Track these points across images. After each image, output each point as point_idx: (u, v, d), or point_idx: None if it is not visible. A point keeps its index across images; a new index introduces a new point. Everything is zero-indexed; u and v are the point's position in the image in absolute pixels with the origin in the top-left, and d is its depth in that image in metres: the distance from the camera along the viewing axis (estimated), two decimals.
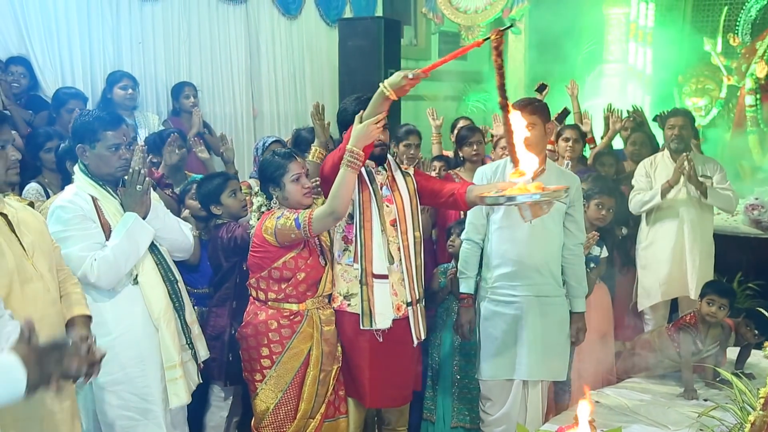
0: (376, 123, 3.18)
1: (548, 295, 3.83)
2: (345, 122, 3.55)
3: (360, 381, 3.63)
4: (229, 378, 3.90)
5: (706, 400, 3.99)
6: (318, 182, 3.67)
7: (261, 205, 3.57)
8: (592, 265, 4.30)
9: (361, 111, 3.25)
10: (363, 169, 3.53)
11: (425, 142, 5.65)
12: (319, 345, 3.48)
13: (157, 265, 3.34)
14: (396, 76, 3.08)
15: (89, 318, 2.84)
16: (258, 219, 3.53)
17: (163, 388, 3.27)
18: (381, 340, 3.57)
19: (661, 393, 4.17)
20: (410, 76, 3.04)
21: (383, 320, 3.53)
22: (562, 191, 3.02)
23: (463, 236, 3.96)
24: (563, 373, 3.95)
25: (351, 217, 3.55)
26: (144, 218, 3.28)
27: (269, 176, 3.48)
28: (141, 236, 3.24)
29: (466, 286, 3.91)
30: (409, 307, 3.61)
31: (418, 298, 3.65)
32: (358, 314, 3.54)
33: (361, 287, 3.53)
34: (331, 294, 3.60)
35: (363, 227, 3.52)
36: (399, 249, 3.57)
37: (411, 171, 3.79)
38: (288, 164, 3.47)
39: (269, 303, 3.48)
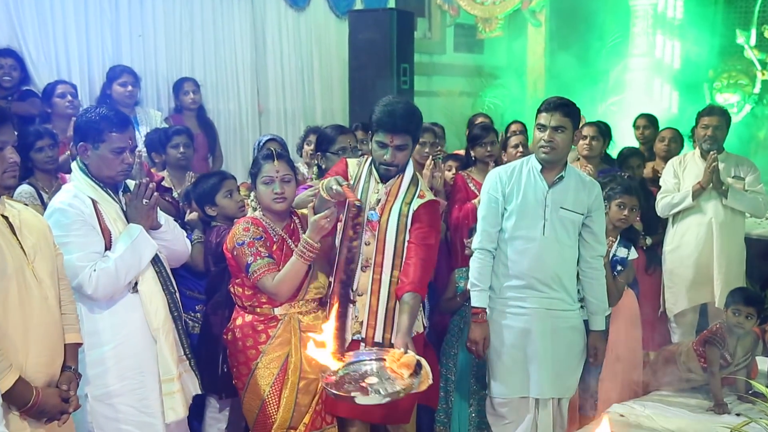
0: (327, 218, 3.29)
1: (560, 309, 3.77)
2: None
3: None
4: (225, 390, 3.87)
5: (738, 414, 3.96)
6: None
7: (252, 200, 3.62)
8: (619, 268, 4.26)
9: (313, 201, 3.37)
10: (362, 183, 3.54)
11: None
12: (297, 351, 3.46)
13: (157, 274, 3.35)
14: (329, 181, 3.26)
15: (79, 344, 2.89)
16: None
17: (162, 400, 3.28)
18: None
19: (690, 406, 4.14)
20: (333, 189, 3.20)
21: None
22: (409, 389, 2.70)
23: (474, 245, 3.86)
24: (571, 389, 3.90)
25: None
26: (151, 230, 3.31)
27: (250, 174, 3.56)
28: (145, 250, 3.26)
29: (478, 300, 3.79)
30: (363, 344, 3.50)
31: (380, 342, 3.50)
32: None
33: (328, 302, 3.55)
34: (319, 299, 3.60)
35: (341, 246, 3.52)
36: (369, 279, 3.50)
37: (415, 204, 3.54)
38: (263, 165, 3.49)
39: (247, 307, 3.50)
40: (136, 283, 3.26)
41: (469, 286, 3.87)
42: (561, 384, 3.83)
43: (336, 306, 3.18)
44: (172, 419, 3.31)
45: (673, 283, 5.30)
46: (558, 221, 3.71)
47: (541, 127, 3.68)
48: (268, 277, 3.36)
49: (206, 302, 4.01)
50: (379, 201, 3.53)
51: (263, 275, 3.35)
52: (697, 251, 5.20)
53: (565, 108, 3.66)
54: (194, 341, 3.81)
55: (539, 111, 3.73)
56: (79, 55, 5.96)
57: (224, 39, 7.07)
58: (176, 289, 3.47)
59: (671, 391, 4.35)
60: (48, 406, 2.62)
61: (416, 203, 3.54)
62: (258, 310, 3.49)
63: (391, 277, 3.49)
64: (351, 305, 3.51)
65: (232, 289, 3.55)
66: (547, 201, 3.71)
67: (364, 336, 3.50)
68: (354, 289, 3.52)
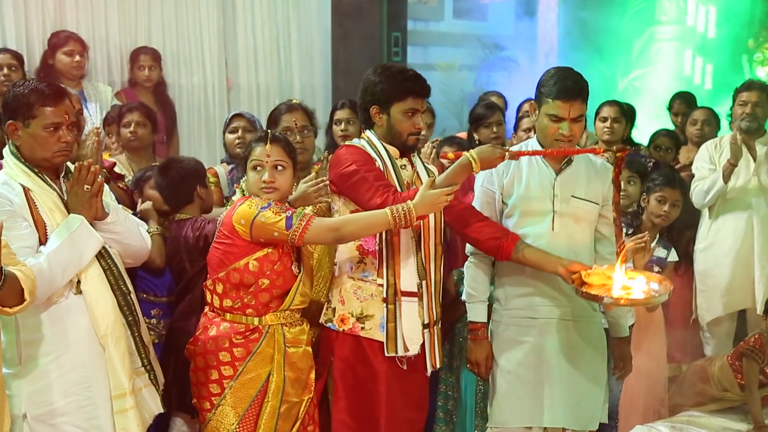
0: (449, 195, 3.29)
1: (578, 316, 3.66)
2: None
3: (374, 419, 3.60)
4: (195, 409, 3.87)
5: None
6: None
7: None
8: (656, 269, 4.25)
9: (434, 176, 3.41)
10: (389, 163, 3.56)
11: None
12: (281, 370, 3.44)
13: (105, 270, 3.30)
14: (490, 151, 3.34)
15: None
16: None
17: (113, 420, 3.24)
18: (405, 368, 3.58)
19: (725, 429, 4.16)
20: (506, 157, 3.33)
21: (413, 344, 3.55)
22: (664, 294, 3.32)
23: (468, 249, 3.77)
24: (594, 421, 3.74)
25: None
26: (96, 221, 3.26)
27: (242, 157, 3.58)
28: (86, 244, 3.21)
29: (475, 314, 3.73)
30: (426, 330, 3.60)
31: (435, 319, 3.65)
32: (374, 339, 3.55)
33: (387, 307, 3.53)
34: (302, 309, 3.59)
35: (391, 236, 3.52)
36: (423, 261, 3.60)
37: (435, 169, 3.77)
38: (254, 147, 3.47)
39: (223, 313, 3.45)
40: (79, 283, 3.22)
41: (464, 297, 3.80)
42: (581, 413, 3.69)
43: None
44: None
45: (707, 286, 5.27)
46: (569, 213, 3.62)
47: (556, 119, 3.51)
48: (321, 219, 3.39)
49: (166, 306, 4.01)
50: (411, 176, 3.64)
51: (313, 218, 3.34)
52: (734, 249, 5.19)
53: (583, 93, 3.53)
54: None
55: (547, 96, 3.53)
56: (15, 17, 5.93)
57: (187, 2, 7.02)
58: (131, 289, 3.43)
59: (703, 412, 4.37)
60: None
61: (433, 168, 3.80)
62: (232, 317, 3.44)
63: (435, 252, 3.64)
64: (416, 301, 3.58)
65: (210, 286, 3.50)
66: (555, 190, 3.61)
67: (427, 321, 3.61)
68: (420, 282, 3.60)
